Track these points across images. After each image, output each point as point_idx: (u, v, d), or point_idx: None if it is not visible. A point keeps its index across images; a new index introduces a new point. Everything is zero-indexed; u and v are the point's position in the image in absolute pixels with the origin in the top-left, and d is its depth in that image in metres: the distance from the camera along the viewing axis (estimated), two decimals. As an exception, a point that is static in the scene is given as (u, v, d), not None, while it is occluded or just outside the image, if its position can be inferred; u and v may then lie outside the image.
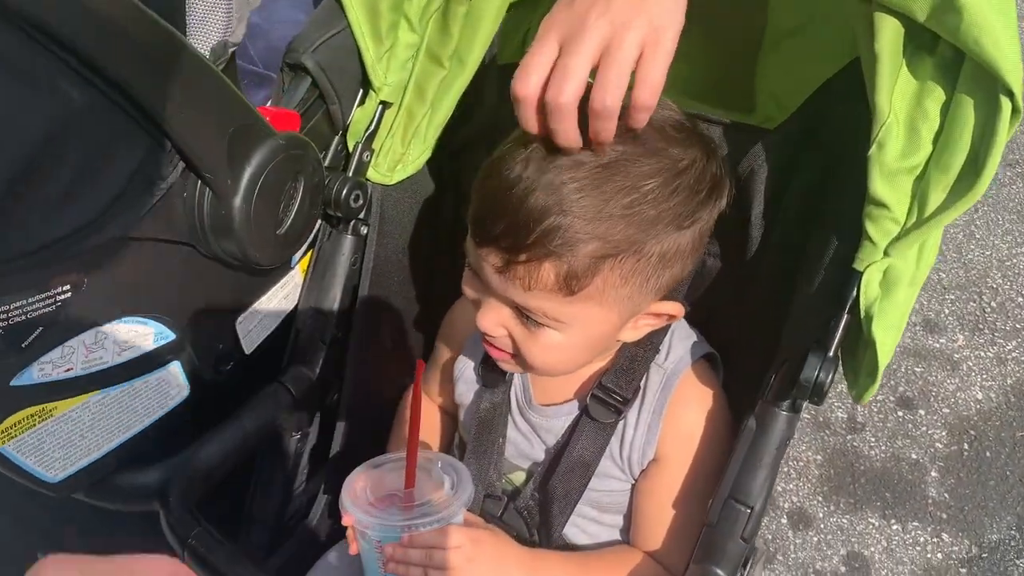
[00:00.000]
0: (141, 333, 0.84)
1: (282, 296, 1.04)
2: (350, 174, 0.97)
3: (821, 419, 2.02)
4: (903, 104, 0.73)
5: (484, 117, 1.06)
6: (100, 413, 0.85)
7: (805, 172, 0.89)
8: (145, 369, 0.87)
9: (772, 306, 0.92)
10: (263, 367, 1.03)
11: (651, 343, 0.93)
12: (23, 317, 0.70)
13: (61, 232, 0.66)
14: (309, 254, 1.05)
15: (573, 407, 0.96)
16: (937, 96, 0.72)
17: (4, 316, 0.68)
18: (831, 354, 0.77)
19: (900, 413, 1.99)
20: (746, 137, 0.93)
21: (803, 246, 0.87)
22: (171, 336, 0.88)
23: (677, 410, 0.91)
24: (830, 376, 0.76)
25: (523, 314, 0.82)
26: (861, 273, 0.76)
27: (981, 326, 2.16)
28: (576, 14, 0.71)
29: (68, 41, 0.59)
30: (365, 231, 1.02)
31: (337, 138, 0.97)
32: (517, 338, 0.85)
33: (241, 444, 0.96)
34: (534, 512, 0.97)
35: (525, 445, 0.99)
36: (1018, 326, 2.17)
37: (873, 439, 1.96)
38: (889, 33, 0.72)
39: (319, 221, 1.03)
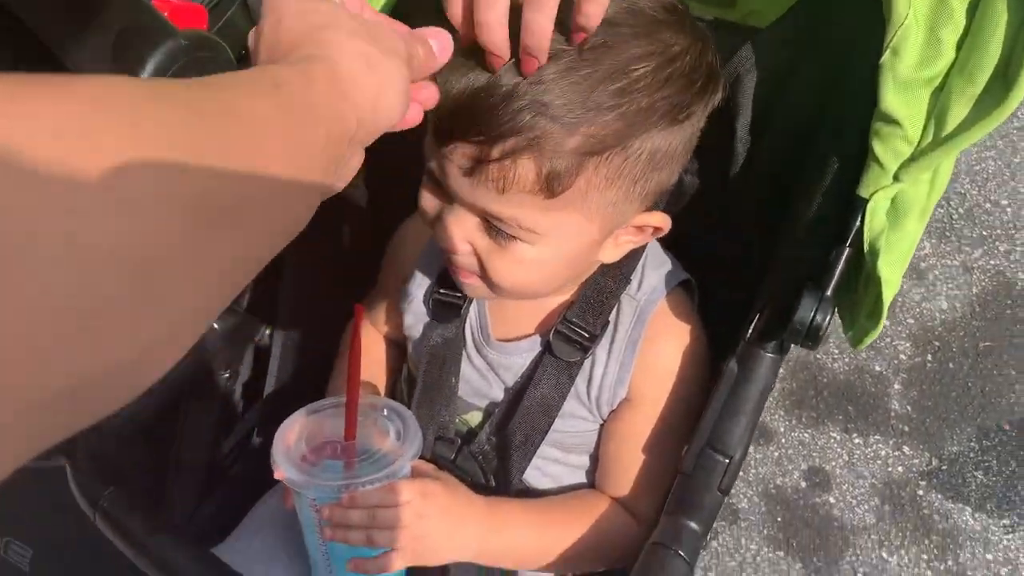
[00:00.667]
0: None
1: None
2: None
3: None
4: (923, 3, 0.62)
5: None
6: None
7: (800, 79, 0.77)
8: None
9: (756, 233, 0.83)
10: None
11: (621, 272, 0.84)
12: None
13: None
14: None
15: (535, 343, 0.86)
16: (962, -5, 0.61)
17: None
18: (829, 293, 0.67)
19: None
20: (731, 37, 0.81)
21: (796, 166, 0.77)
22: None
23: (652, 345, 0.82)
24: (827, 318, 0.67)
25: (492, 226, 0.72)
26: (866, 201, 0.66)
27: (948, 233, 2.11)
28: None
29: None
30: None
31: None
32: (483, 254, 0.74)
33: (161, 389, 0.85)
34: (490, 457, 0.89)
35: (481, 383, 0.89)
36: (984, 233, 2.11)
37: (836, 351, 1.92)
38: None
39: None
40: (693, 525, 0.75)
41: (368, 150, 0.53)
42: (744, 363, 0.74)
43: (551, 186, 0.67)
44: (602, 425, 0.87)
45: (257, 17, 0.81)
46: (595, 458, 0.90)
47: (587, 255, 0.78)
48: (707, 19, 0.83)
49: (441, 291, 0.89)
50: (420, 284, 0.92)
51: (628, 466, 0.84)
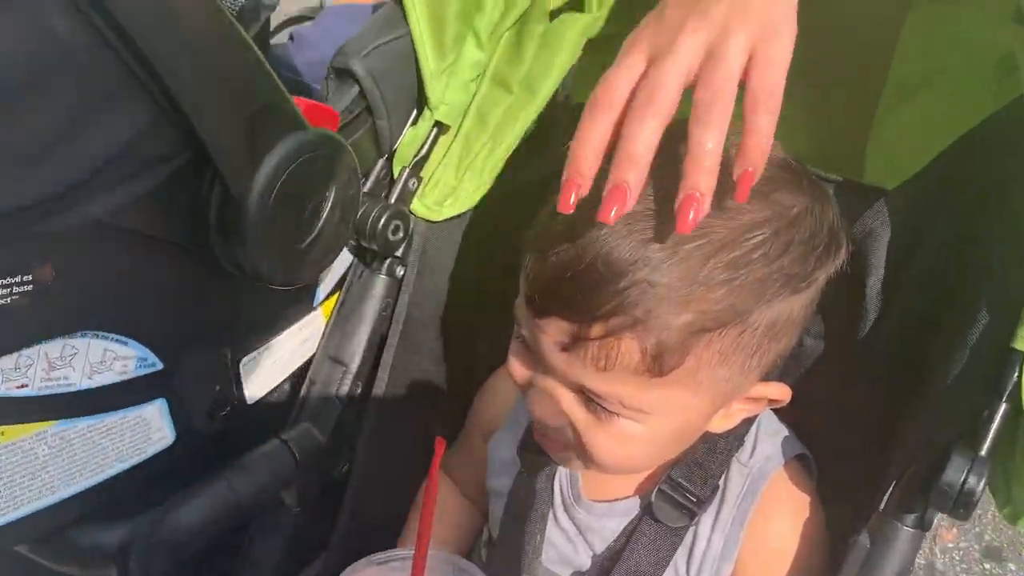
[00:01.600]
0: (120, 356, 0.70)
1: (299, 340, 0.89)
2: (392, 201, 0.84)
3: (892, 564, 1.78)
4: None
5: (551, 160, 0.92)
6: (60, 449, 0.70)
7: (938, 235, 0.73)
8: (122, 403, 0.72)
9: (885, 401, 0.75)
10: (264, 421, 0.88)
11: (734, 434, 0.76)
12: (-33, 304, 0.56)
13: (24, 200, 0.53)
14: (335, 297, 0.91)
15: (632, 505, 0.78)
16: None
17: (-58, 299, 0.54)
18: (983, 453, 0.59)
19: (987, 566, 1.75)
20: (861, 197, 0.78)
21: (934, 326, 0.70)
22: (157, 365, 0.73)
23: (763, 520, 0.73)
24: (981, 482, 0.58)
25: (591, 399, 0.66)
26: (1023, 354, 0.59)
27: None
28: (667, 27, 0.57)
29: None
30: (402, 273, 0.88)
31: (382, 161, 0.84)
32: (581, 428, 0.68)
33: (227, 510, 0.79)
34: (573, 633, 0.78)
35: (568, 549, 0.80)
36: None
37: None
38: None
39: (351, 259, 0.90)
40: None
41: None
42: (878, 537, 0.64)
43: (658, 366, 0.61)
44: (701, 608, 0.76)
45: (386, 145, 0.83)
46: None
47: (696, 429, 0.72)
48: (836, 179, 0.80)
49: (534, 440, 0.83)
50: (512, 433, 0.86)
51: None
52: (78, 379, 0.68)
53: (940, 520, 1.86)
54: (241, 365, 0.83)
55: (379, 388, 0.89)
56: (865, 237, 0.77)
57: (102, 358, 0.69)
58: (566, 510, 0.81)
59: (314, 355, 0.91)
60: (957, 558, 1.80)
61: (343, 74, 0.79)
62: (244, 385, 0.85)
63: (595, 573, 0.77)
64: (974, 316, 0.64)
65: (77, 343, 0.66)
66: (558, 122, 0.90)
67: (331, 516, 0.92)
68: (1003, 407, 0.59)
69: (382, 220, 0.81)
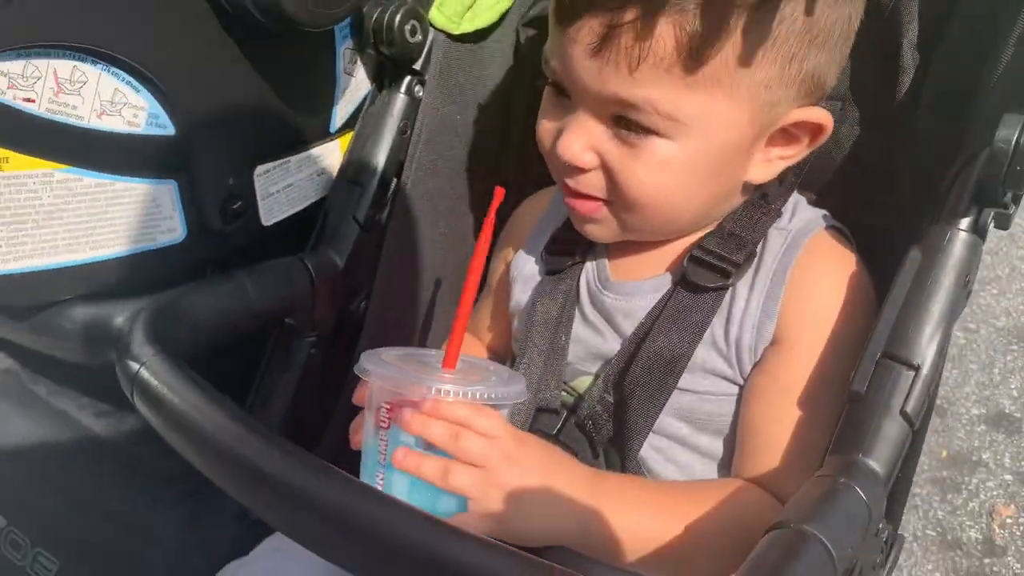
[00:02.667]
0: (132, 103, 0.68)
1: (314, 170, 0.87)
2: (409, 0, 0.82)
3: (951, 538, 1.67)
4: None
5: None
6: (66, 201, 0.67)
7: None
8: (131, 168, 0.70)
9: (930, 180, 0.71)
10: (281, 245, 0.85)
11: (770, 206, 0.72)
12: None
13: None
14: (351, 133, 0.90)
15: (663, 281, 0.73)
16: None
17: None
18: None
19: (1047, 537, 1.64)
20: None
21: (978, 65, 0.66)
22: (169, 129, 0.71)
23: (805, 274, 0.68)
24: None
25: (622, 125, 0.63)
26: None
27: None
28: None
29: None
30: (420, 92, 0.86)
31: (401, -33, 0.84)
32: (614, 163, 0.65)
33: (238, 309, 0.76)
34: (601, 423, 0.72)
35: (596, 340, 0.75)
36: None
37: (1018, 565, 1.60)
38: None
39: (369, 87, 0.88)
40: (870, 463, 0.56)
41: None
42: (930, 246, 0.59)
43: (693, 53, 0.59)
44: (741, 388, 0.70)
45: None
46: (731, 445, 0.72)
47: (736, 162, 0.67)
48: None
49: (556, 242, 0.79)
50: (534, 248, 0.82)
51: (774, 436, 0.66)
52: (86, 114, 0.66)
53: (997, 497, 1.75)
54: (255, 173, 0.81)
55: (398, 213, 0.86)
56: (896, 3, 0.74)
57: (112, 98, 0.67)
58: (592, 301, 0.76)
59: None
60: (1018, 533, 1.68)
61: None
62: (259, 199, 0.82)
63: (627, 352, 0.72)
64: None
65: (86, 69, 0.65)
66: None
67: (349, 355, 0.87)
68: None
69: (398, 17, 0.80)
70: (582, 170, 0.66)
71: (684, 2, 0.57)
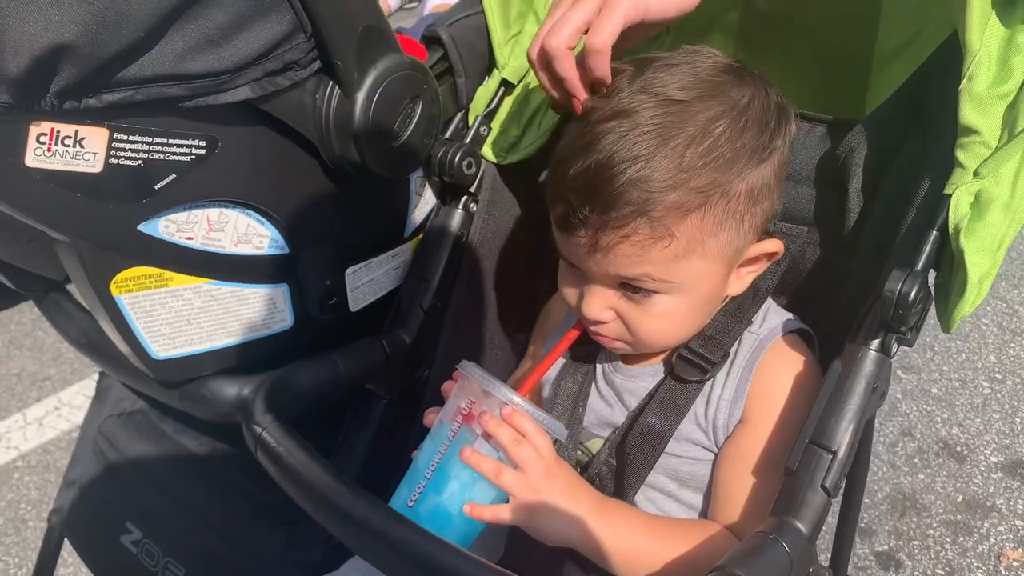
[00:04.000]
0: (259, 233, 0.92)
1: (391, 267, 1.10)
2: (467, 142, 1.05)
3: None
4: (994, 41, 0.75)
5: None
6: (209, 305, 0.91)
7: (909, 144, 0.89)
8: (256, 278, 0.94)
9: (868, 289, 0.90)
10: (365, 330, 1.08)
11: (743, 315, 0.92)
12: (161, 155, 0.79)
13: (196, 69, 0.76)
14: (421, 236, 1.13)
15: (660, 369, 0.94)
16: (1028, 31, 0.74)
17: (145, 148, 0.78)
18: (918, 268, 0.74)
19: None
20: (849, 129, 0.96)
21: (904, 210, 0.86)
22: (285, 249, 0.95)
23: (767, 370, 0.89)
24: (913, 288, 0.73)
25: (629, 288, 0.84)
26: (950, 197, 0.75)
27: None
28: None
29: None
30: (474, 208, 1.09)
31: (460, 114, 1.07)
32: (627, 316, 0.86)
33: (331, 380, 0.99)
34: (607, 479, 0.94)
35: (606, 411, 0.97)
36: None
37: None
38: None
39: (434, 202, 1.11)
40: (797, 523, 0.76)
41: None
42: (848, 361, 0.79)
43: (666, 241, 0.79)
44: (715, 455, 0.90)
45: (463, 100, 1.06)
46: (707, 498, 0.92)
47: (718, 293, 0.89)
48: (826, 118, 0.98)
49: (578, 343, 1.01)
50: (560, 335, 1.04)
51: (738, 489, 0.87)
52: (228, 244, 0.90)
53: (1006, 541, 1.88)
54: (347, 273, 1.04)
55: (455, 303, 1.09)
56: (848, 153, 0.94)
57: (246, 231, 0.91)
58: (606, 379, 0.98)
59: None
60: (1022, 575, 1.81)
61: (431, 40, 1.03)
62: (348, 292, 1.06)
63: (629, 421, 0.93)
64: (919, 186, 0.81)
65: (229, 213, 0.89)
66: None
67: (413, 413, 1.10)
68: (934, 234, 0.75)
69: (458, 157, 1.03)
70: (604, 322, 0.88)
71: (652, 209, 0.77)
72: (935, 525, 1.95)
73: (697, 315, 0.89)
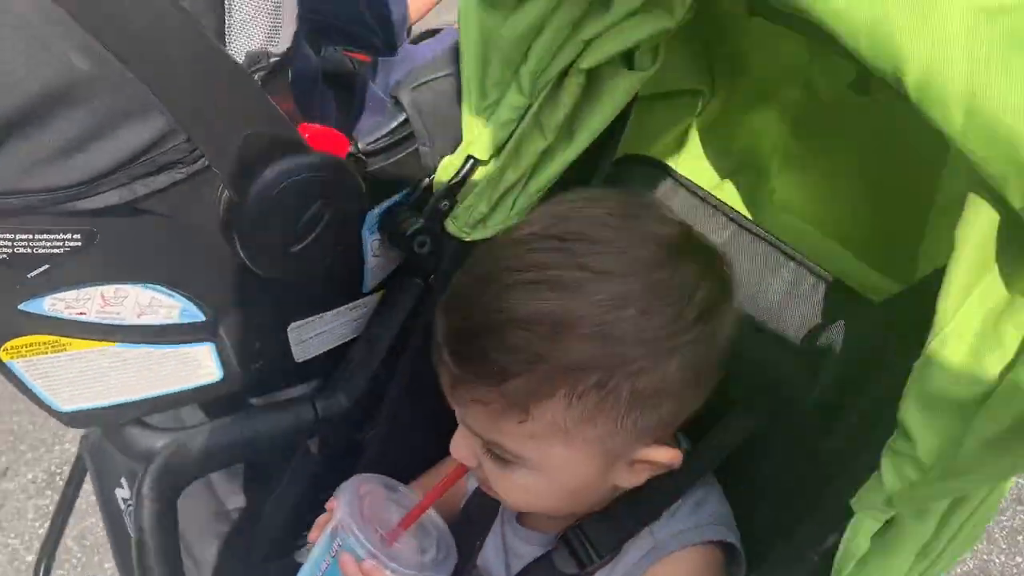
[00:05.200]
0: (165, 304, 0.88)
1: (351, 318, 1.03)
2: (423, 216, 0.94)
3: None
4: (975, 316, 0.54)
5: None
6: (118, 364, 0.90)
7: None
8: (170, 340, 0.91)
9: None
10: (307, 377, 1.04)
11: (653, 505, 0.78)
12: (28, 250, 0.76)
13: (62, 181, 0.71)
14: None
15: (551, 540, 0.83)
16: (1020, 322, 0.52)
17: (8, 244, 0.74)
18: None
19: None
20: (849, 301, 0.76)
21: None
22: (199, 317, 0.91)
23: None
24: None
25: (493, 447, 0.73)
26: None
27: None
28: None
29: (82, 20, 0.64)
30: (432, 279, 0.98)
31: (427, 180, 0.95)
32: (489, 474, 0.76)
33: (245, 442, 0.97)
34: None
35: (494, 561, 0.88)
36: None
37: None
38: (980, 220, 0.54)
39: (398, 261, 1.01)
40: None
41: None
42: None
43: (523, 418, 0.67)
44: None
45: (429, 167, 0.93)
46: None
47: (594, 485, 0.74)
48: (826, 276, 0.78)
49: None
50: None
51: None
52: (128, 316, 0.87)
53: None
54: (289, 328, 0.99)
55: (402, 372, 1.01)
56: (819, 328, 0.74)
57: (150, 303, 0.87)
58: (502, 527, 0.88)
59: (362, 331, 1.05)
60: None
61: (396, 101, 0.90)
62: (292, 346, 1.00)
63: (503, 587, 0.84)
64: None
65: (128, 289, 0.85)
66: (600, 171, 0.94)
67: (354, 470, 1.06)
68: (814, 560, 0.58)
69: (408, 231, 0.92)
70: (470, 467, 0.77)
71: (509, 380, 0.65)
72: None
73: (568, 500, 0.76)
